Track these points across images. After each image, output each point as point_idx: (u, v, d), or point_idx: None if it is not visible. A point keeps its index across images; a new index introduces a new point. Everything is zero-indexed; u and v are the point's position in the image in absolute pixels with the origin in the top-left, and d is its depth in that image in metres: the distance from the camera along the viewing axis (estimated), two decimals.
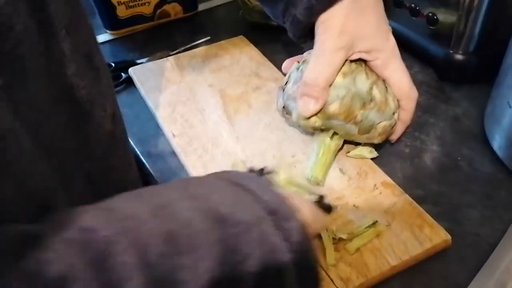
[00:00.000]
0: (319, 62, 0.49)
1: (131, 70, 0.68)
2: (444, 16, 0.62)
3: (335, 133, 0.52)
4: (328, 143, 0.52)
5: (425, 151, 0.56)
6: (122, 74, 0.70)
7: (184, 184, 0.36)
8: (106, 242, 0.27)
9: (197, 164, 0.54)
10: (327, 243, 0.45)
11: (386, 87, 0.51)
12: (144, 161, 0.58)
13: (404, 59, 0.70)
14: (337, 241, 0.45)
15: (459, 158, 0.55)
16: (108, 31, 0.80)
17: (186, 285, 0.29)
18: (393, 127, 0.52)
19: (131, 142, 0.61)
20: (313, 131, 0.54)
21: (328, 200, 0.47)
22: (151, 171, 0.57)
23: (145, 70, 0.68)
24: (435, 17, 0.63)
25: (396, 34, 0.58)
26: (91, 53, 0.37)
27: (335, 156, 0.53)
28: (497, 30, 0.59)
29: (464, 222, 0.49)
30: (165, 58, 0.70)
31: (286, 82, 0.54)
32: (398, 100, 0.52)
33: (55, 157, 0.33)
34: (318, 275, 0.35)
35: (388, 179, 0.51)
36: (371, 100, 0.49)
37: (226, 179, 0.36)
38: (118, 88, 0.69)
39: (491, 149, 0.55)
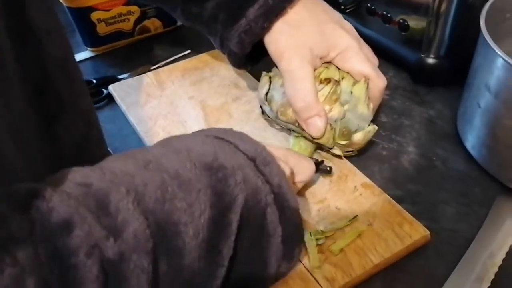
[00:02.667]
0: (296, 84, 0.50)
1: (111, 87, 0.69)
2: (415, 22, 0.65)
3: (311, 140, 0.54)
4: (304, 143, 0.54)
5: (402, 152, 0.58)
6: (104, 90, 0.70)
7: (167, 141, 0.38)
8: (104, 192, 0.29)
9: None
10: (310, 246, 0.46)
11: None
12: None
13: (379, 64, 0.72)
14: (320, 240, 0.46)
15: (434, 158, 0.57)
16: (88, 48, 0.81)
17: (185, 226, 0.30)
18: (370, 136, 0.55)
19: None
20: (290, 130, 0.56)
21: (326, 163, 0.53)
22: None
23: (125, 86, 0.69)
24: (406, 23, 0.66)
25: (370, 41, 0.60)
26: (65, 59, 0.38)
27: (312, 156, 0.55)
28: (466, 34, 0.61)
29: (441, 219, 0.50)
30: (144, 74, 0.71)
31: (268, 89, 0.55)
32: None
33: (25, 154, 0.34)
34: (298, 214, 0.38)
35: (368, 180, 0.53)
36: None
37: (207, 134, 0.38)
38: (99, 104, 0.69)
39: (465, 149, 0.57)
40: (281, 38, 0.51)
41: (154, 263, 0.29)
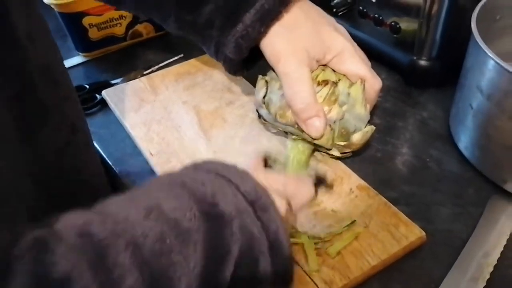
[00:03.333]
0: (294, 86, 0.51)
1: (104, 93, 0.69)
2: (407, 25, 0.65)
3: (307, 142, 0.54)
4: (302, 146, 0.54)
5: (396, 154, 0.59)
6: (97, 95, 0.70)
7: (170, 180, 0.37)
8: (103, 245, 0.29)
9: None
10: (309, 249, 0.46)
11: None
12: (122, 181, 0.59)
13: (372, 66, 0.73)
14: (318, 243, 0.47)
15: (428, 160, 0.58)
16: (80, 53, 0.81)
17: (179, 281, 0.30)
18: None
19: (109, 162, 0.61)
20: (287, 133, 0.56)
21: (328, 177, 0.52)
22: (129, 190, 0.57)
23: (118, 91, 0.69)
24: (398, 25, 0.66)
25: (363, 44, 0.60)
26: (50, 65, 0.38)
27: (309, 159, 0.55)
28: (457, 35, 0.62)
29: (436, 220, 0.51)
30: (137, 79, 0.71)
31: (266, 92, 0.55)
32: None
33: (3, 160, 0.34)
34: (290, 261, 0.37)
35: (363, 182, 0.53)
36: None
37: (209, 170, 0.38)
38: (93, 110, 0.69)
39: (458, 149, 0.58)
40: (277, 41, 0.51)
41: None
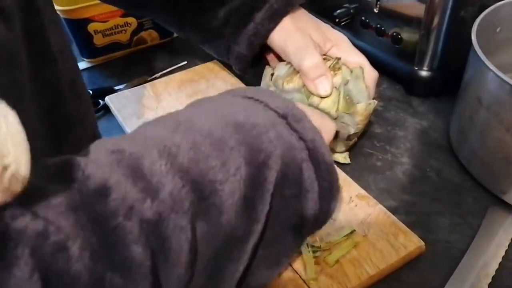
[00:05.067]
0: (301, 52, 0.55)
1: (107, 99, 0.69)
2: (408, 35, 0.66)
3: None
4: None
5: (396, 163, 0.59)
6: (100, 101, 0.71)
7: (198, 102, 0.38)
8: (136, 156, 0.29)
9: None
10: (307, 257, 0.46)
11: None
12: None
13: None
14: (317, 252, 0.47)
15: (428, 169, 0.58)
16: (85, 59, 0.81)
17: (221, 184, 0.30)
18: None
19: None
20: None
21: None
22: None
23: (122, 97, 0.69)
24: (399, 36, 0.67)
25: (364, 54, 0.61)
26: (75, 78, 0.40)
27: None
28: (458, 47, 0.62)
29: (435, 230, 0.51)
30: (141, 85, 0.72)
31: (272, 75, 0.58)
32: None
33: (35, 174, 0.34)
34: (333, 168, 0.37)
35: (363, 191, 0.54)
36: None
37: (234, 94, 0.38)
38: (96, 115, 0.70)
39: (458, 159, 0.58)
40: (283, 32, 0.57)
41: (192, 222, 0.29)
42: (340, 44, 0.58)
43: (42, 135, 0.35)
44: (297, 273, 0.45)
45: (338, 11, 0.73)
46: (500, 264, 0.47)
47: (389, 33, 0.68)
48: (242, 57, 0.59)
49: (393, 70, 0.71)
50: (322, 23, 0.61)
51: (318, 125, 0.41)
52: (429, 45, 0.64)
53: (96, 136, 0.43)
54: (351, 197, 0.53)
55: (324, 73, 0.54)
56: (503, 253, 0.49)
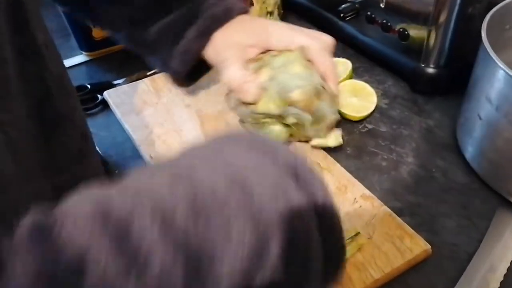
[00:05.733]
0: (225, 69, 0.55)
1: (106, 94, 0.68)
2: (415, 32, 0.64)
3: (285, 126, 0.54)
4: (278, 130, 0.54)
5: (401, 163, 0.58)
6: (98, 96, 0.69)
7: (200, 150, 0.34)
8: (123, 220, 0.25)
9: None
10: None
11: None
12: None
13: (378, 73, 0.72)
14: None
15: (434, 170, 0.57)
16: (83, 52, 0.80)
17: (221, 259, 0.26)
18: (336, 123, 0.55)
19: (108, 164, 0.60)
20: (262, 123, 0.55)
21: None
22: None
23: (120, 93, 0.68)
24: (406, 32, 0.65)
25: (370, 49, 0.59)
26: (62, 73, 0.39)
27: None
28: (465, 44, 0.61)
29: (441, 232, 0.50)
30: (140, 80, 0.70)
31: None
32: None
33: (22, 167, 0.32)
34: (343, 238, 0.33)
35: (367, 192, 0.52)
36: (324, 91, 0.52)
37: (242, 139, 0.34)
38: (94, 110, 0.68)
39: (465, 160, 0.57)
40: (213, 47, 0.57)
41: None
42: (275, 32, 0.56)
43: (30, 132, 0.34)
44: None
45: (343, 5, 0.71)
46: (508, 268, 0.46)
47: (396, 29, 0.66)
48: (177, 73, 0.59)
49: (398, 67, 0.69)
50: (267, 22, 0.59)
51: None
52: (437, 42, 0.63)
53: (85, 134, 0.42)
54: (355, 198, 0.52)
55: (243, 80, 0.53)
56: (511, 256, 0.47)
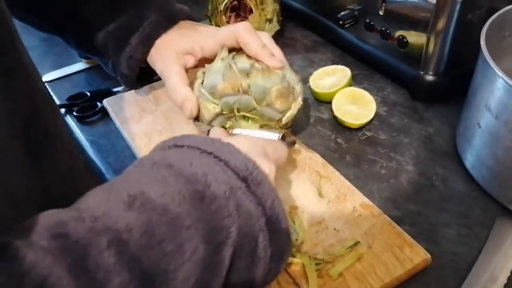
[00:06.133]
0: (167, 83, 0.57)
1: (105, 102, 0.68)
2: (414, 39, 0.64)
3: (245, 119, 0.54)
4: (245, 125, 0.54)
5: (400, 171, 0.57)
6: (98, 103, 0.69)
7: (152, 163, 0.35)
8: (81, 245, 0.26)
9: None
10: (309, 270, 0.45)
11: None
12: None
13: (377, 80, 0.72)
14: (320, 264, 0.45)
15: (433, 178, 0.56)
16: (83, 60, 0.80)
17: (175, 272, 0.28)
18: (290, 92, 0.54)
19: (106, 172, 0.60)
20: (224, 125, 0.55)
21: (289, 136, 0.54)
22: None
23: (120, 100, 0.68)
24: (405, 39, 0.65)
25: (369, 57, 0.59)
26: (48, 92, 0.38)
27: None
28: (465, 51, 0.61)
29: (441, 241, 0.49)
30: (140, 88, 0.70)
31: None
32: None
33: (6, 188, 0.32)
34: (288, 234, 0.37)
35: (367, 201, 0.52)
36: (252, 69, 0.53)
37: (192, 146, 0.36)
38: (93, 118, 0.68)
39: (465, 168, 0.56)
40: (156, 53, 0.59)
41: None
42: (210, 37, 0.57)
43: (16, 153, 0.33)
44: (299, 287, 0.44)
45: (342, 13, 0.71)
46: (508, 278, 0.46)
47: (395, 36, 0.66)
48: (125, 76, 0.61)
49: (398, 74, 0.69)
50: (201, 28, 0.60)
51: (272, 153, 0.42)
52: (436, 49, 0.63)
53: (74, 152, 0.41)
54: (354, 207, 0.51)
55: (184, 98, 0.55)
56: (511, 266, 0.47)
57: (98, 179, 0.59)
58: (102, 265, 0.26)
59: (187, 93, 0.55)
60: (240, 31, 0.55)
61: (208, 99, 0.53)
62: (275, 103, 0.52)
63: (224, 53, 0.55)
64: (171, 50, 0.58)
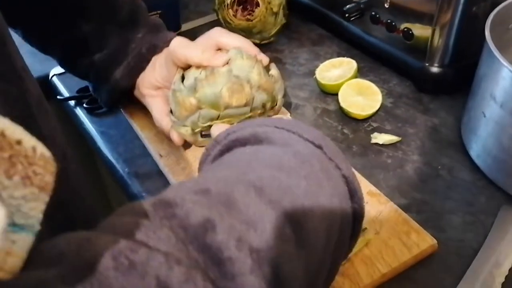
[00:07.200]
0: (152, 113, 0.60)
1: None
2: (419, 31, 0.65)
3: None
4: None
5: (406, 161, 0.58)
6: None
7: (249, 153, 0.35)
8: (224, 193, 0.28)
9: None
10: None
11: (267, 69, 0.56)
12: (129, 181, 0.59)
13: (383, 72, 0.73)
14: None
15: (439, 167, 0.57)
16: None
17: (312, 211, 0.30)
18: (242, 83, 0.52)
19: (116, 162, 0.61)
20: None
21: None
22: (138, 191, 0.57)
23: None
24: (410, 32, 0.66)
25: (375, 49, 0.60)
26: (40, 95, 0.39)
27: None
28: (470, 43, 0.62)
29: (447, 228, 0.50)
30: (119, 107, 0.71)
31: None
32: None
33: None
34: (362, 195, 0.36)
35: (374, 189, 0.53)
36: (197, 81, 0.52)
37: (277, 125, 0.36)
38: (103, 110, 0.69)
39: (470, 157, 0.57)
40: (136, 87, 0.62)
41: (297, 249, 0.28)
42: (165, 70, 0.58)
43: None
44: None
45: (348, 6, 0.72)
46: None
47: (400, 29, 0.67)
48: (106, 103, 0.64)
49: (403, 66, 0.70)
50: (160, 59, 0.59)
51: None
52: (441, 41, 0.63)
53: (66, 153, 0.42)
54: None
55: (168, 129, 0.57)
56: None
57: (93, 181, 0.60)
58: (250, 204, 0.28)
59: (167, 125, 0.57)
60: (175, 52, 0.56)
61: (178, 114, 0.54)
62: (232, 102, 0.52)
63: (176, 77, 0.55)
64: (150, 84, 0.60)
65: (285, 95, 0.59)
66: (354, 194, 0.35)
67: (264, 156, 0.33)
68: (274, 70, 0.57)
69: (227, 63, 0.53)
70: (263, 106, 0.54)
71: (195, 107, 0.52)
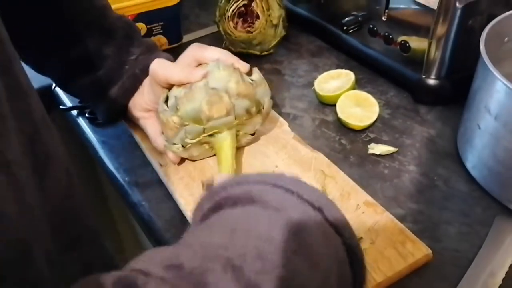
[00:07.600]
0: (147, 133, 0.62)
1: None
2: (416, 44, 0.66)
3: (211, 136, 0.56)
4: (226, 143, 0.55)
5: (403, 172, 0.59)
6: None
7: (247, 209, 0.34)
8: (197, 273, 0.26)
9: (184, 192, 0.56)
10: None
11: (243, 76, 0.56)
12: (129, 191, 0.59)
13: (380, 84, 0.74)
14: None
15: (435, 178, 0.58)
16: None
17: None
18: (220, 94, 0.53)
19: (117, 171, 0.62)
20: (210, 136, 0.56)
21: None
22: (138, 200, 0.58)
23: None
24: (407, 44, 0.67)
25: (372, 61, 0.61)
26: (43, 111, 0.39)
27: (235, 149, 0.56)
28: (466, 56, 0.63)
29: (443, 239, 0.51)
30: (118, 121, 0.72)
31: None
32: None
33: (23, 207, 0.33)
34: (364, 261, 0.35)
35: (370, 198, 0.54)
36: (177, 100, 0.54)
37: (273, 183, 0.34)
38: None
39: (465, 168, 0.58)
40: (130, 107, 0.63)
41: None
42: (152, 95, 0.60)
43: (28, 169, 0.34)
44: None
45: (346, 18, 0.73)
46: (507, 273, 0.47)
47: (397, 41, 0.68)
48: (103, 119, 0.66)
49: (401, 78, 0.71)
50: (182, 62, 0.59)
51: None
52: (437, 54, 0.64)
53: (69, 170, 0.42)
54: (358, 204, 0.53)
55: (163, 150, 0.59)
56: (510, 262, 0.48)
57: (93, 189, 0.61)
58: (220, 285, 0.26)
59: (161, 145, 0.59)
60: (156, 74, 0.57)
61: (169, 128, 0.55)
62: (213, 114, 0.53)
63: (161, 98, 0.57)
64: (141, 106, 0.62)
65: (272, 97, 0.60)
66: (355, 262, 0.33)
67: (250, 223, 0.31)
68: (256, 75, 0.58)
69: (205, 77, 0.54)
70: (248, 112, 0.55)
71: (179, 124, 0.54)
